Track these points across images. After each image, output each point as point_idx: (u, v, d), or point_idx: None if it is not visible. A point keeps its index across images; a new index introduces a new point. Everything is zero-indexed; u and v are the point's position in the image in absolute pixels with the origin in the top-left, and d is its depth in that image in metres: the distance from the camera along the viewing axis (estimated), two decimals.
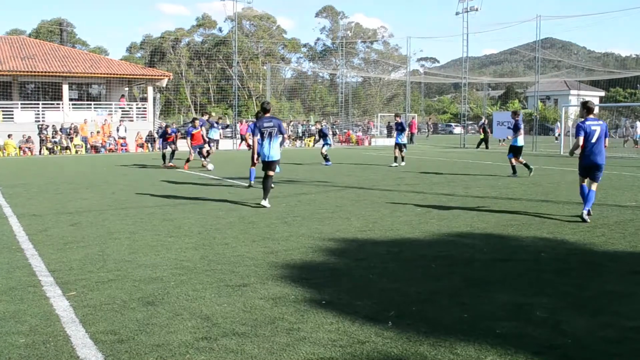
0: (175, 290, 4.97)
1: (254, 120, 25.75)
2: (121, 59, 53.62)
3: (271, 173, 9.86)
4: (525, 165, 15.35)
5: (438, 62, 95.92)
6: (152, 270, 5.65)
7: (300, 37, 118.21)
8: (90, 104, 33.95)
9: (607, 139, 8.52)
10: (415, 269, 5.72)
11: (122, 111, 33.90)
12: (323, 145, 20.27)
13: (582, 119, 8.60)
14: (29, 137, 28.49)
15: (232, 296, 4.82)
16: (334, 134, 43.33)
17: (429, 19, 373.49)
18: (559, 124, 40.65)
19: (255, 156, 10.14)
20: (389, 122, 49.10)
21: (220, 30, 77.00)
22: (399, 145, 19.44)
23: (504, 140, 33.55)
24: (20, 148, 28.04)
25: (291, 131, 37.31)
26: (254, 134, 9.94)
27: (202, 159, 17.86)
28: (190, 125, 18.46)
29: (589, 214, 8.37)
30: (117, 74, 33.75)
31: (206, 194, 11.71)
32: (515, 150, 15.41)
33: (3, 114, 30.43)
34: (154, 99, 37.10)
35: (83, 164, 21.17)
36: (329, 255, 6.33)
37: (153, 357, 3.58)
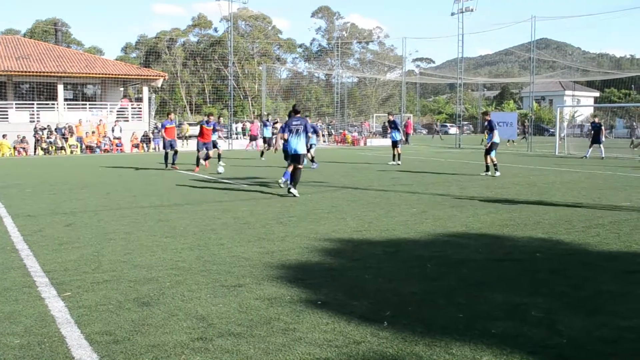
0: (171, 291, 4.96)
1: (264, 120, 26.61)
2: (116, 59, 53.49)
3: (300, 166, 11.40)
4: (495, 166, 15.50)
5: (433, 62, 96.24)
6: (148, 270, 5.64)
7: (295, 38, 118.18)
8: (86, 104, 33.86)
9: None
10: (411, 269, 5.73)
11: (117, 111, 33.83)
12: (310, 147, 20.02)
13: None
14: (24, 137, 28.39)
15: (227, 296, 4.81)
16: (330, 134, 43.39)
17: (425, 20, 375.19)
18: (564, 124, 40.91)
19: (276, 146, 11.68)
20: (384, 123, 49.21)
21: (215, 30, 77.08)
22: (395, 143, 20.24)
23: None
24: (14, 148, 27.92)
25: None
26: (283, 131, 11.60)
27: (202, 160, 17.84)
28: (204, 121, 18.15)
29: None
30: (112, 74, 33.63)
31: (202, 195, 11.69)
32: (492, 147, 15.62)
33: None
34: (149, 99, 36.97)
35: (78, 164, 21.10)
36: (324, 255, 6.33)
37: (148, 358, 3.57)
